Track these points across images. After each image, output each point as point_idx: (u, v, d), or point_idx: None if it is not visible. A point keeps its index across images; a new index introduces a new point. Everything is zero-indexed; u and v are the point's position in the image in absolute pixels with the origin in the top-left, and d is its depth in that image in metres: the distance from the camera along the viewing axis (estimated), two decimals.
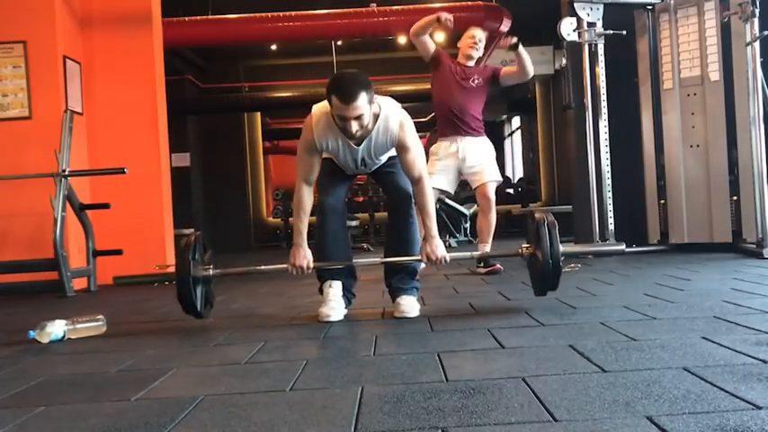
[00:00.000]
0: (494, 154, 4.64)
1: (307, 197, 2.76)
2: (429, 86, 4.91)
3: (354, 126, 2.51)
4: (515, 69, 4.65)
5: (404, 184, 2.85)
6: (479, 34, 4.78)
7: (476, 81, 4.61)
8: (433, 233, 2.73)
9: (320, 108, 2.68)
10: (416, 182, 2.75)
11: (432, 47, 4.72)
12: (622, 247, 3.16)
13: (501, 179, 4.63)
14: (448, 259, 2.74)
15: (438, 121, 4.66)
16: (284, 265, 2.79)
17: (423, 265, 2.92)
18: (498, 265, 4.56)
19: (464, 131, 4.50)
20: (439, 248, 2.72)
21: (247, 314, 3.25)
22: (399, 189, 2.87)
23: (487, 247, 4.44)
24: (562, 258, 2.59)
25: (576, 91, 5.75)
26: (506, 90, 14.68)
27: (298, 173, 2.76)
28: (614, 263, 4.79)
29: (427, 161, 4.94)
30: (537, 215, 2.69)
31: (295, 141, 2.93)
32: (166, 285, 5.22)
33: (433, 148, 4.61)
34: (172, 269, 2.66)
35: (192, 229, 9.08)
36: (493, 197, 4.50)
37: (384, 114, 2.64)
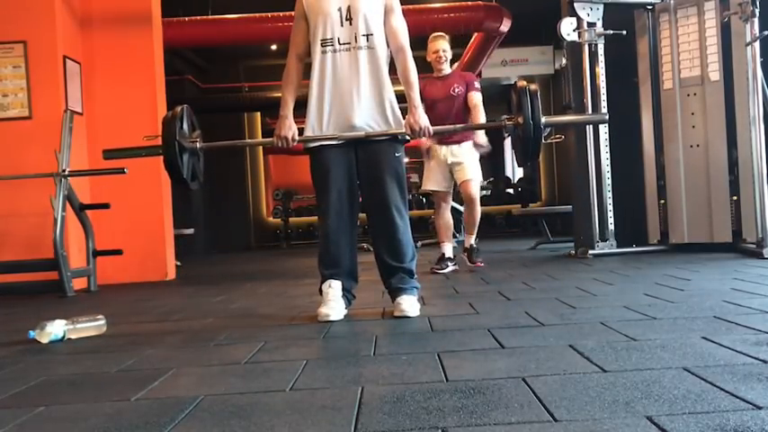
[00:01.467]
0: (475, 155, 4.90)
1: (295, 69, 2.84)
2: None
3: None
4: (474, 110, 4.72)
5: (393, 199, 2.78)
6: (441, 45, 4.88)
7: (456, 90, 4.74)
8: (416, 104, 2.75)
9: None
10: (399, 50, 2.79)
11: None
12: (605, 116, 3.22)
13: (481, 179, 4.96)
14: (431, 130, 2.76)
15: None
16: (271, 139, 2.83)
17: (415, 261, 2.92)
18: (480, 262, 5.02)
19: (452, 138, 4.75)
20: (422, 118, 2.74)
21: (247, 314, 3.25)
22: (386, 206, 2.77)
23: (472, 238, 4.98)
24: (545, 130, 2.63)
25: (575, 91, 5.75)
26: (506, 90, 14.73)
27: (290, 45, 2.84)
28: (614, 263, 4.79)
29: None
30: (519, 83, 2.71)
31: None
32: (165, 283, 5.23)
33: (425, 156, 4.94)
34: (161, 141, 2.70)
35: (191, 229, 9.08)
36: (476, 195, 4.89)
37: None
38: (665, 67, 5.50)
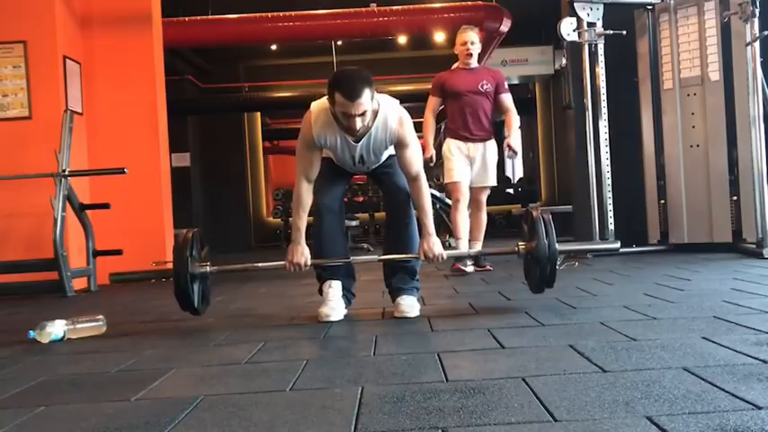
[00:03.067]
0: (496, 159, 4.69)
1: (306, 194, 2.76)
2: (429, 86, 4.89)
3: (358, 123, 2.51)
4: (508, 114, 4.61)
5: (402, 184, 2.85)
6: (471, 36, 4.66)
7: (485, 86, 4.52)
8: (430, 231, 2.74)
9: (319, 105, 2.68)
10: (414, 179, 2.75)
11: (436, 103, 4.73)
12: (617, 245, 3.18)
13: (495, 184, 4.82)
14: (445, 257, 2.75)
15: (450, 123, 4.68)
16: (282, 263, 2.79)
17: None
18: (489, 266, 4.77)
19: (474, 135, 4.54)
20: (436, 246, 2.72)
21: (247, 314, 3.25)
22: (398, 189, 2.86)
23: (478, 245, 4.62)
24: (559, 257, 2.61)
25: (576, 91, 5.76)
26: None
27: (298, 170, 2.75)
28: (614, 263, 4.79)
29: (438, 161, 4.82)
30: (534, 212, 2.70)
31: (295, 141, 2.92)
32: (164, 282, 5.22)
33: (444, 149, 4.65)
34: (169, 266, 2.66)
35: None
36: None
37: (383, 111, 2.64)
38: (665, 67, 5.50)
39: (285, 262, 2.78)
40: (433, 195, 9.47)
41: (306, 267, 2.77)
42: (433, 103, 4.69)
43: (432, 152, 4.61)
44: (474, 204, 4.62)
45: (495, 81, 4.58)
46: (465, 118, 4.50)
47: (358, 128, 2.53)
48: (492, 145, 4.61)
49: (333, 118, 2.60)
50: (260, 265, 3.02)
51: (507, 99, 4.60)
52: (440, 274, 4.70)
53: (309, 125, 2.66)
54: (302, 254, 2.75)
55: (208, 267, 2.78)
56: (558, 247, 2.62)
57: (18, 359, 2.35)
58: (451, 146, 4.56)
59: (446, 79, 4.63)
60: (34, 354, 2.43)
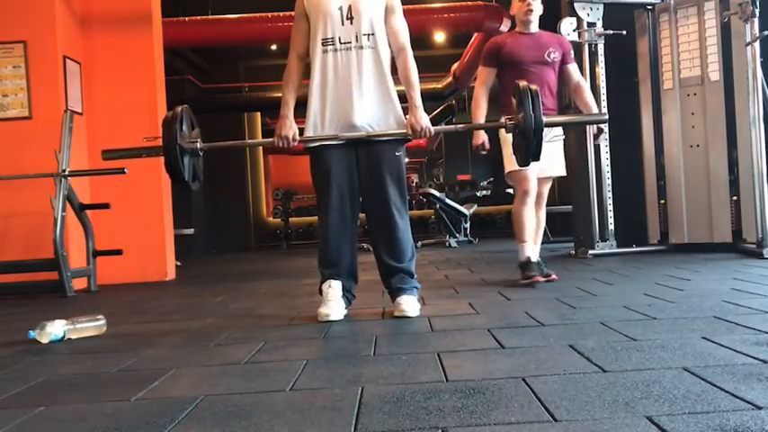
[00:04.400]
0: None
1: (295, 69, 2.83)
2: (431, 86, 4.85)
3: None
4: (580, 88, 3.94)
5: (395, 200, 2.80)
6: None
7: (552, 55, 3.78)
8: (417, 103, 2.74)
9: None
10: (401, 50, 2.79)
11: (490, 75, 3.91)
12: (605, 116, 3.18)
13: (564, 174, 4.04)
14: (432, 130, 2.74)
15: (508, 100, 3.67)
16: (271, 139, 2.80)
17: (415, 261, 2.92)
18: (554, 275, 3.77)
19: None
20: (423, 119, 2.72)
21: (247, 314, 3.25)
22: (387, 202, 2.78)
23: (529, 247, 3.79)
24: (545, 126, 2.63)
25: None
26: None
27: (291, 45, 2.84)
28: (614, 263, 4.79)
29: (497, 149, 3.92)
30: (521, 83, 2.70)
31: None
32: (164, 283, 5.23)
33: (502, 131, 3.63)
34: (160, 141, 2.69)
35: (191, 229, 9.08)
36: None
37: None
38: (665, 67, 5.50)
39: (274, 137, 2.78)
40: (433, 195, 9.52)
41: (294, 143, 2.75)
42: (485, 74, 3.89)
43: (484, 138, 3.84)
44: (540, 198, 3.86)
45: (563, 50, 3.84)
46: None
47: None
48: (559, 128, 3.89)
49: None
50: (249, 141, 3.09)
51: (575, 70, 3.90)
52: (440, 274, 4.70)
53: None
54: (290, 127, 2.76)
55: (198, 144, 2.81)
56: (545, 119, 2.63)
57: (18, 359, 2.35)
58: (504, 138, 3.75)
59: (504, 45, 3.81)
60: (34, 354, 2.43)
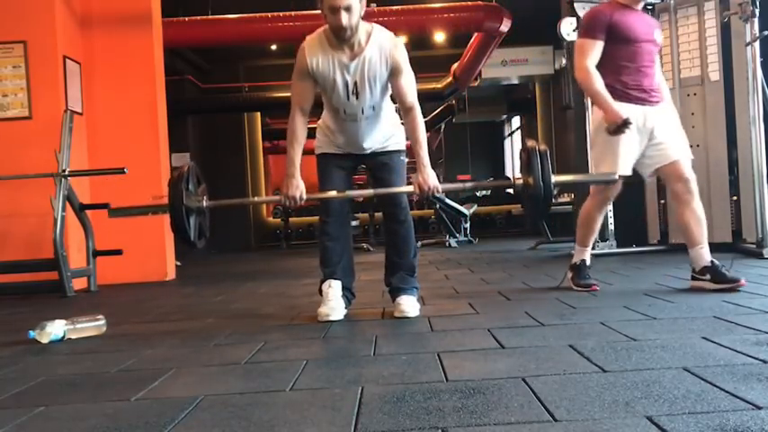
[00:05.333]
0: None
1: (300, 127, 2.78)
2: (430, 86, 4.82)
3: (344, 17, 2.54)
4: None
5: (399, 198, 2.88)
6: None
7: (659, 38, 3.30)
8: (424, 162, 2.72)
9: (312, 34, 2.75)
10: (408, 110, 2.76)
11: (598, 49, 3.21)
12: (615, 177, 3.14)
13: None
14: (440, 189, 2.74)
15: (611, 79, 3.21)
16: (278, 197, 2.80)
17: (417, 261, 2.95)
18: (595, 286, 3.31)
19: (652, 96, 3.22)
20: (431, 178, 2.72)
21: (247, 314, 3.25)
22: (393, 197, 2.87)
23: (704, 250, 3.16)
24: (555, 188, 2.63)
25: (575, 91, 5.75)
26: (506, 90, 14.74)
27: (292, 102, 2.80)
28: (614, 263, 4.79)
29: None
30: (529, 143, 2.70)
31: None
32: (163, 284, 5.23)
33: (597, 119, 3.26)
34: (166, 199, 2.68)
35: None
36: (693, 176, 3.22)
37: (377, 32, 2.70)
38: (665, 67, 5.49)
39: (280, 196, 2.78)
40: (433, 196, 9.49)
41: (301, 202, 2.76)
42: (592, 48, 3.19)
43: (618, 113, 3.06)
44: (682, 186, 3.14)
45: (661, 35, 3.37)
46: (642, 73, 3.19)
47: (344, 23, 2.55)
48: (671, 107, 3.35)
49: (326, 41, 2.66)
50: (255, 199, 3.08)
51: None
52: (440, 274, 4.71)
53: (303, 51, 2.71)
54: (297, 187, 2.75)
55: (204, 202, 2.79)
56: (554, 178, 2.63)
57: (18, 359, 2.35)
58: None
59: (614, 16, 3.20)
60: (34, 354, 2.43)
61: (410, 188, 2.77)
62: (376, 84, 2.72)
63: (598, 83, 3.15)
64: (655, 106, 3.21)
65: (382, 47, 2.67)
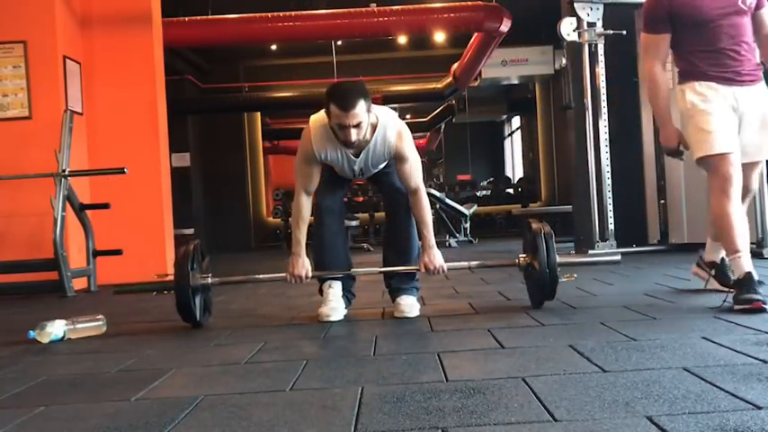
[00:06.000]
0: None
1: (305, 207, 2.78)
2: (430, 86, 4.83)
3: (353, 134, 2.51)
4: None
5: (400, 186, 2.86)
6: None
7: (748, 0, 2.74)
8: (431, 243, 2.74)
9: (317, 119, 2.69)
10: (413, 193, 2.75)
11: (665, 43, 2.89)
12: (618, 257, 3.12)
13: None
14: (446, 269, 2.76)
15: (687, 63, 2.88)
16: (283, 274, 2.82)
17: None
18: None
19: (743, 76, 2.73)
20: (437, 258, 2.74)
21: (247, 314, 3.25)
22: (397, 192, 2.87)
23: (722, 249, 2.89)
24: (559, 269, 2.63)
25: (576, 91, 5.76)
26: (506, 90, 14.74)
27: (297, 183, 2.77)
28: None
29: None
30: (534, 225, 2.71)
31: (295, 141, 2.94)
32: (165, 294, 5.22)
33: (688, 98, 2.86)
34: (171, 278, 2.68)
35: (191, 229, 9.07)
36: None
37: (382, 124, 2.65)
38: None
39: (286, 274, 2.80)
40: (432, 195, 9.50)
41: (307, 279, 2.79)
42: (658, 44, 2.88)
43: (672, 139, 2.91)
44: (740, 191, 2.71)
45: None
46: (725, 55, 2.72)
47: (353, 140, 2.53)
48: (764, 89, 2.80)
49: (332, 132, 2.61)
50: (261, 276, 3.07)
51: None
52: (440, 275, 4.69)
53: (309, 140, 2.67)
54: (303, 266, 2.77)
55: (209, 279, 2.80)
56: (559, 259, 2.64)
57: (18, 359, 2.35)
58: (704, 90, 2.76)
59: (674, 0, 2.76)
60: (34, 354, 2.43)
61: (416, 267, 2.80)
62: (380, 165, 2.79)
63: (661, 96, 2.89)
64: (746, 87, 2.72)
65: (386, 140, 2.66)
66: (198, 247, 2.79)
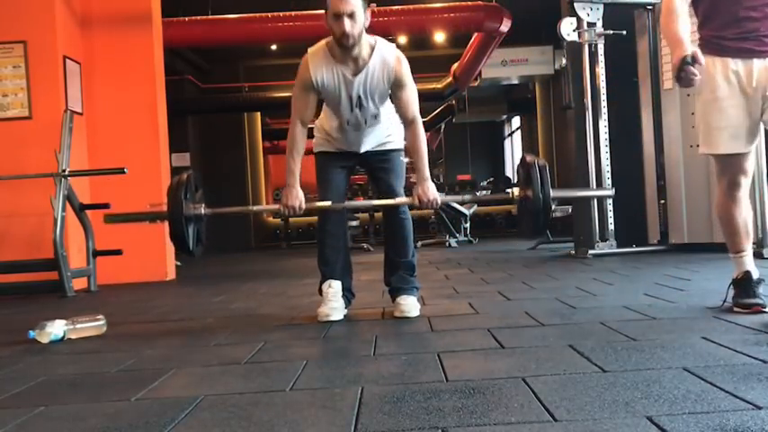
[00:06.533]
0: None
1: (300, 137, 2.79)
2: (430, 86, 4.81)
3: (347, 24, 2.53)
4: None
5: (396, 187, 2.88)
6: None
7: None
8: (425, 175, 2.74)
9: (315, 45, 2.74)
10: (409, 123, 2.77)
11: None
12: (611, 191, 3.13)
13: None
14: (440, 201, 2.76)
15: (705, 38, 2.57)
16: (276, 206, 2.81)
17: (416, 259, 2.95)
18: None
19: (765, 45, 2.45)
20: (430, 190, 2.73)
21: (247, 314, 3.25)
22: (394, 193, 2.87)
23: None
24: (553, 202, 2.63)
25: (575, 91, 5.75)
26: (506, 90, 14.74)
27: (293, 112, 2.79)
28: (614, 263, 4.79)
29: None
30: (528, 158, 2.71)
31: None
32: (163, 284, 5.23)
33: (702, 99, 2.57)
34: (164, 207, 2.68)
35: None
36: None
37: (380, 47, 2.68)
38: (665, 66, 5.50)
39: (280, 206, 2.78)
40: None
41: (300, 211, 2.78)
42: None
43: (679, 53, 2.36)
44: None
45: None
46: (749, 18, 2.44)
47: (347, 30, 2.54)
48: None
49: (329, 54, 2.65)
50: (254, 207, 3.07)
51: None
52: (440, 274, 4.71)
53: (306, 65, 2.70)
54: (297, 197, 2.76)
55: (202, 210, 2.79)
56: (553, 193, 2.62)
57: (18, 359, 2.35)
58: (719, 76, 2.49)
59: None
60: (34, 354, 2.43)
61: (409, 199, 2.79)
62: (378, 97, 2.75)
63: (675, 22, 2.46)
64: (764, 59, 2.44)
65: (385, 60, 2.66)
66: (191, 178, 2.79)
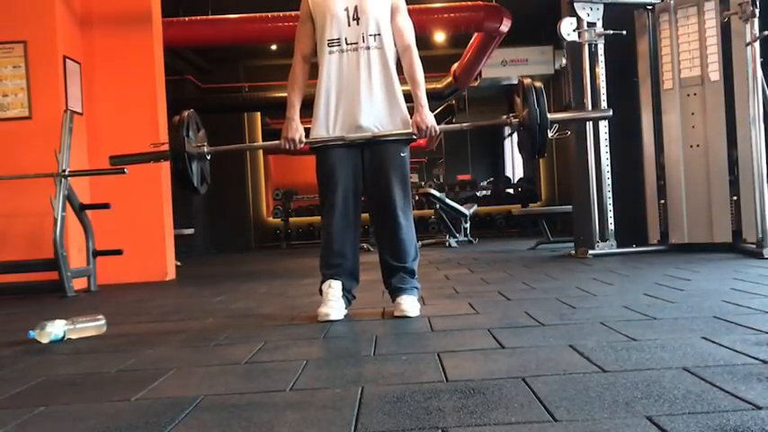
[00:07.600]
0: None
1: (301, 71, 2.83)
2: (430, 86, 4.83)
3: None
4: None
5: (392, 193, 2.78)
6: None
7: None
8: (422, 102, 2.74)
9: None
10: (406, 49, 2.80)
11: None
12: (609, 112, 3.15)
13: None
14: (437, 129, 2.75)
15: None
16: (277, 142, 2.81)
17: (417, 262, 2.91)
18: None
19: None
20: (428, 118, 2.73)
21: (247, 314, 3.25)
22: (389, 197, 2.79)
23: None
24: (551, 128, 2.65)
25: (575, 91, 5.75)
26: (506, 90, 14.74)
27: (295, 47, 2.84)
28: (614, 263, 4.79)
29: None
30: (525, 81, 2.72)
31: None
32: (163, 283, 5.23)
33: None
34: (167, 146, 2.69)
35: (192, 230, 9.07)
36: None
37: None
38: (665, 67, 5.50)
39: (281, 139, 2.78)
40: (433, 195, 9.50)
41: (300, 145, 2.77)
42: None
43: None
44: None
45: None
46: None
47: None
48: None
49: None
50: (255, 144, 3.11)
51: None
52: (440, 274, 4.71)
53: None
54: (297, 129, 2.77)
55: (204, 148, 2.82)
56: (550, 116, 2.65)
57: (18, 359, 2.35)
58: None
59: None
60: (34, 354, 2.43)
61: (408, 130, 2.76)
62: (377, 11, 2.74)
63: None
64: None
65: None
66: (192, 116, 2.80)
